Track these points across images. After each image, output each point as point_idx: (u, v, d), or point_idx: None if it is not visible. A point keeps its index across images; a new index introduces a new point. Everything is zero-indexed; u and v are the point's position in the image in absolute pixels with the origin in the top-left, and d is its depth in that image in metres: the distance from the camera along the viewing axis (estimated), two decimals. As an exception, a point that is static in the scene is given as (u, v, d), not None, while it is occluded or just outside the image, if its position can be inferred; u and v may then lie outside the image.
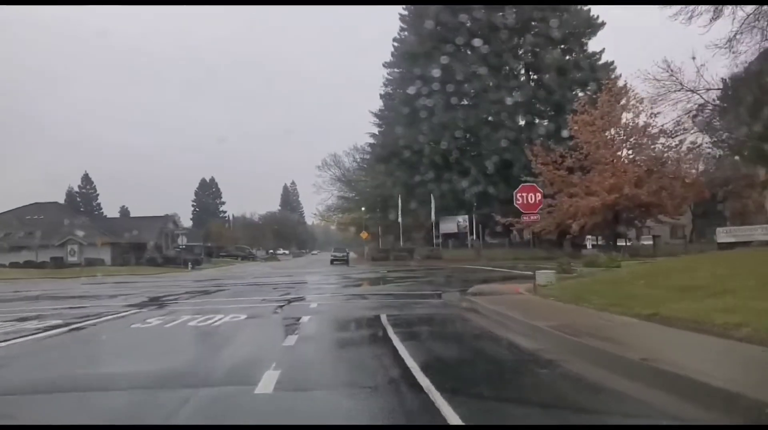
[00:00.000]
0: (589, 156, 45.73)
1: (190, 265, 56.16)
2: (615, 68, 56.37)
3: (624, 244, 48.80)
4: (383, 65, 68.25)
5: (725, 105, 59.35)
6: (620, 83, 46.86)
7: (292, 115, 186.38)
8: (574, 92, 55.14)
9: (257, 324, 12.09)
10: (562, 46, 58.48)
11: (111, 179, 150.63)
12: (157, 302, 18.72)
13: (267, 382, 6.12)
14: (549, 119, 56.53)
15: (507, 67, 60.40)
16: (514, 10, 56.65)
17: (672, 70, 28.16)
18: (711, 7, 20.16)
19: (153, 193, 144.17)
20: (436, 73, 57.54)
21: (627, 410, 5.20)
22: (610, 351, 7.20)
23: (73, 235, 57.33)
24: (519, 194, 16.37)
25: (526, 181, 47.68)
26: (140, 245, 63.63)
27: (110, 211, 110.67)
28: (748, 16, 20.46)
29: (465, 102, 60.22)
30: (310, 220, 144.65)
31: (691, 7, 20.11)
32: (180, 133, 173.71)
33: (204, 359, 8.52)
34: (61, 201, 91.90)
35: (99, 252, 57.35)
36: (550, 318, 10.60)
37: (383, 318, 12.12)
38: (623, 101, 46.07)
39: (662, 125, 47.29)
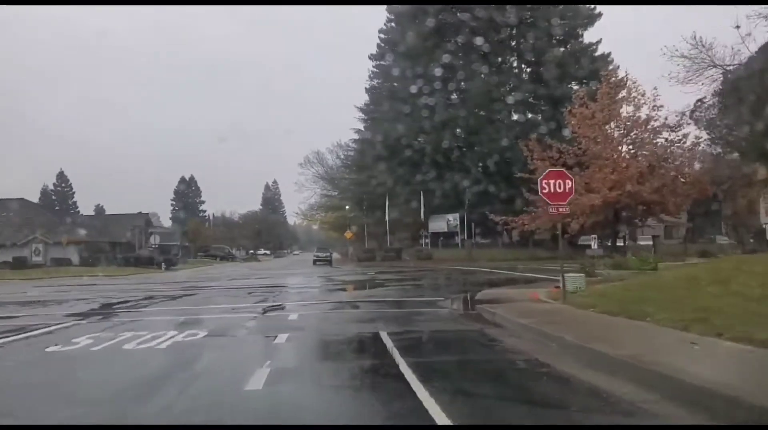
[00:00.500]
0: (588, 151, 43.29)
1: (163, 265, 52.92)
2: (612, 60, 53.98)
3: (623, 243, 46.33)
4: (369, 57, 65.45)
5: (724, 101, 57.49)
6: (620, 74, 44.23)
7: (275, 113, 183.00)
8: (569, 85, 52.53)
9: (217, 347, 9.05)
10: (557, 38, 55.93)
11: (88, 178, 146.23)
12: (106, 311, 15.68)
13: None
14: (543, 113, 53.82)
15: (499, 59, 57.80)
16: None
17: (704, 46, 25.44)
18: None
19: (132, 192, 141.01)
20: (425, 66, 54.97)
21: None
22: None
23: (38, 233, 53.68)
24: (545, 182, 13.53)
25: (520, 178, 45.90)
26: (112, 245, 60.14)
27: (87, 210, 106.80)
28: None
29: (455, 96, 57.58)
30: (292, 220, 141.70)
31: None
32: (161, 131, 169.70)
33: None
34: (36, 199, 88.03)
35: (66, 252, 53.77)
36: (612, 341, 7.80)
37: (385, 337, 9.23)
38: (623, 93, 43.64)
39: (665, 118, 45.51)
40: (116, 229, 63.03)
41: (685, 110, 48.84)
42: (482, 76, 55.06)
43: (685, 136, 43.63)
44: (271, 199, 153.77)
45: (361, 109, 67.48)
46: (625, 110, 43.83)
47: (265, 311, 14.01)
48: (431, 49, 55.24)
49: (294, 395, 5.89)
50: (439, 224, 55.91)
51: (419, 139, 55.59)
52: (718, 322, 8.00)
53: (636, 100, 43.05)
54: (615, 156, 43.80)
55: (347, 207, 70.65)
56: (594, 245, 36.28)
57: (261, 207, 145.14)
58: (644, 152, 43.87)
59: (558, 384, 6.22)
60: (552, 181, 13.43)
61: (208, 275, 40.63)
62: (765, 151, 56.56)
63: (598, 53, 54.42)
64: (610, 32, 75.26)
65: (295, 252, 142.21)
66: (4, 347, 9.61)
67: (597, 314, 10.68)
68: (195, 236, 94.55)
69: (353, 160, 71.53)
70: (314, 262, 56.79)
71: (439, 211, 55.85)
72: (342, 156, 77.19)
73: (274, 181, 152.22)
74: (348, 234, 65.85)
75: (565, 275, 15.37)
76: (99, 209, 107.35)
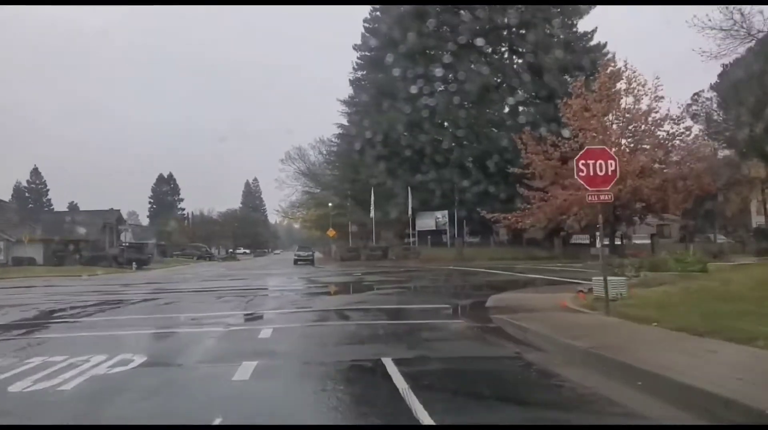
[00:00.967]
0: (585, 144, 40.91)
1: (134, 265, 49.69)
2: (607, 53, 51.58)
3: (621, 242, 43.98)
4: (353, 48, 62.54)
5: (723, 94, 55.53)
6: (619, 64, 41.77)
7: (256, 110, 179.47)
8: (564, 77, 50.09)
9: (145, 390, 6.13)
10: (549, 27, 53.38)
11: (64, 175, 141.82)
12: (38, 321, 12.83)
13: None
14: (537, 106, 51.25)
15: (489, 49, 55.17)
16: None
17: (742, 15, 22.82)
18: None
19: (110, 190, 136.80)
20: (412, 56, 52.36)
21: None
22: None
23: (-3, 230, 50.25)
24: (582, 162, 10.81)
25: (513, 173, 43.37)
26: (80, 243, 56.69)
27: (62, 207, 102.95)
28: None
29: (444, 88, 54.85)
30: (273, 218, 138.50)
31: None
32: (140, 129, 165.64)
33: None
34: (8, 197, 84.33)
35: (30, 250, 50.38)
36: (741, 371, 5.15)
37: (392, 369, 6.44)
38: (621, 84, 41.28)
39: (668, 110, 43.23)
40: (87, 226, 59.63)
41: (681, 104, 46.97)
42: (472, 66, 52.48)
43: (689, 128, 41.52)
44: (252, 198, 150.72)
45: (344, 102, 64.70)
46: (625, 102, 41.62)
47: (229, 326, 11.11)
48: (418, 38, 52.56)
49: None
50: (426, 222, 53.21)
51: (406, 132, 52.87)
52: None
53: (636, 90, 40.84)
54: (614, 150, 41.52)
55: (330, 204, 67.65)
56: (598, 242, 33.56)
57: (241, 205, 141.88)
58: (644, 146, 41.67)
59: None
60: (591, 162, 10.71)
61: (180, 275, 37.58)
62: (764, 151, 54.83)
63: (593, 43, 52.09)
64: (608, 22, 72.71)
65: (276, 251, 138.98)
66: None
67: (674, 333, 7.98)
68: (172, 234, 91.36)
69: (336, 155, 68.64)
70: (295, 261, 53.94)
71: (427, 208, 53.21)
72: (324, 152, 74.30)
73: (255, 179, 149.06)
74: (330, 232, 62.89)
75: (597, 279, 12.73)
76: (73, 207, 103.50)
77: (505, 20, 52.87)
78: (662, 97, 40.36)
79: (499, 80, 53.60)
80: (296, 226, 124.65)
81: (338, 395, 5.97)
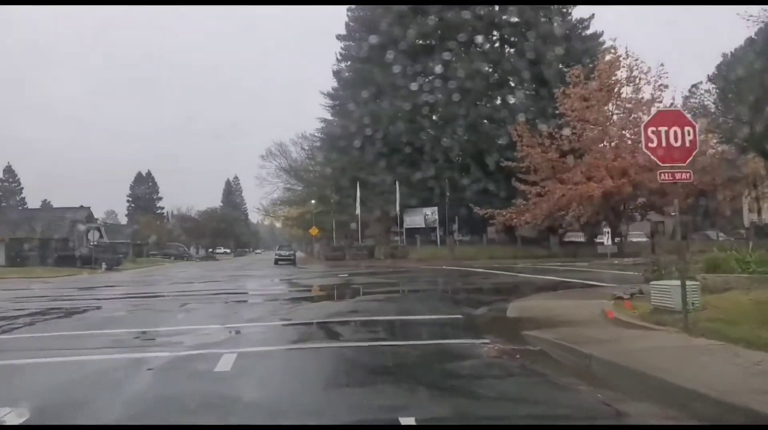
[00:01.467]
0: (584, 136, 38.54)
1: (104, 265, 46.50)
2: (604, 41, 49.20)
3: (620, 240, 41.59)
4: (337, 38, 59.64)
5: (721, 88, 53.43)
6: (620, 51, 39.35)
7: (236, 108, 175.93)
8: (559, 66, 47.56)
9: None
10: (542, 14, 50.79)
11: (40, 174, 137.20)
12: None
13: None
14: (531, 98, 48.65)
15: (480, 38, 52.49)
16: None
17: None
18: None
19: (88, 188, 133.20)
20: (399, 45, 49.57)
21: None
22: None
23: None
24: (652, 130, 8.15)
25: (506, 167, 40.83)
26: (48, 241, 53.35)
27: (36, 206, 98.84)
28: None
29: (432, 79, 52.17)
30: (255, 217, 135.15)
31: None
32: (119, 128, 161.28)
33: None
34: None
35: (-9, 250, 47.09)
36: None
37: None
38: (622, 72, 38.96)
39: (672, 98, 41.00)
40: (55, 225, 56.25)
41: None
42: (462, 56, 49.84)
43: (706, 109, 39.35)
44: (233, 196, 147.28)
45: (327, 94, 61.74)
46: (625, 91, 39.32)
47: (183, 348, 8.32)
48: (406, 27, 49.83)
49: None
50: (415, 219, 50.46)
51: (393, 124, 50.09)
52: None
53: (637, 79, 38.55)
54: (617, 141, 39.18)
55: (313, 201, 64.68)
56: (606, 239, 31.21)
57: (222, 204, 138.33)
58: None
59: None
60: (664, 130, 8.05)
61: (150, 277, 34.55)
62: (764, 148, 52.84)
63: (590, 31, 49.68)
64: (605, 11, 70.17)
65: (257, 251, 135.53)
66: None
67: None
68: (148, 233, 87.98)
69: (319, 150, 65.69)
70: (276, 261, 51.05)
71: (416, 204, 50.52)
72: (306, 147, 71.33)
73: (235, 177, 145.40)
74: (313, 230, 59.92)
75: (658, 283, 10.08)
76: (46, 205, 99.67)
77: (496, 8, 50.36)
78: (666, 86, 38.18)
79: (490, 70, 50.98)
80: (278, 225, 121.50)
81: None
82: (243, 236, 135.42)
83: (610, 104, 39.40)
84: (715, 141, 44.07)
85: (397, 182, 47.42)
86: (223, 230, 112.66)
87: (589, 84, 38.37)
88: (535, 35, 48.53)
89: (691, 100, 50.87)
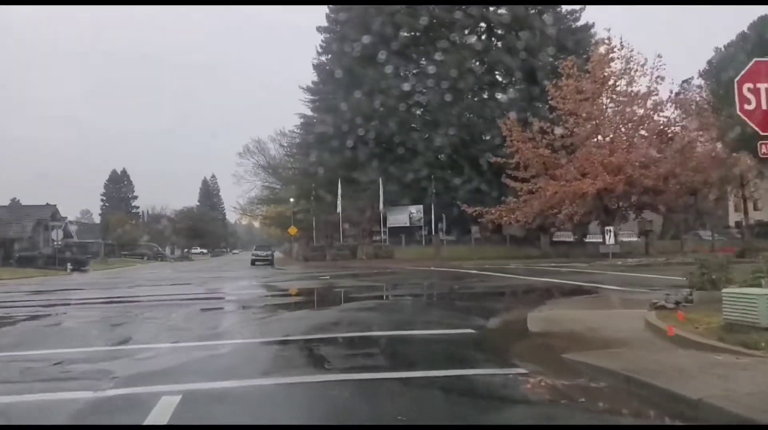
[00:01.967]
0: (578, 131, 36.75)
1: (69, 266, 43.82)
2: (595, 32, 47.46)
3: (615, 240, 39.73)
4: (317, 30, 57.31)
5: (714, 81, 51.97)
6: (614, 42, 37.53)
7: (214, 106, 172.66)
8: (549, 58, 45.69)
9: None
10: (532, 7, 48.87)
11: (11, 172, 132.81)
12: None
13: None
14: (521, 91, 46.64)
15: (466, 31, 50.50)
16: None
17: None
18: None
19: (61, 187, 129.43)
20: (382, 36, 47.43)
21: None
22: None
23: None
24: (748, 87, 6.06)
25: (496, 164, 38.85)
26: (13, 242, 50.39)
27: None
28: None
29: (416, 71, 50.13)
30: (232, 217, 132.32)
31: None
32: (96, 126, 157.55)
33: None
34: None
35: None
36: None
37: None
38: (617, 64, 37.20)
39: (671, 91, 39.42)
40: (20, 223, 53.26)
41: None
42: (449, 48, 47.78)
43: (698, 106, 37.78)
44: (210, 196, 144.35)
45: (307, 89, 59.40)
46: (620, 84, 37.56)
47: (108, 385, 6.04)
48: (390, 20, 47.70)
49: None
50: (399, 218, 48.25)
51: (376, 120, 47.90)
52: None
53: (632, 71, 36.83)
54: (610, 137, 37.39)
55: (292, 200, 62.21)
56: (609, 239, 29.26)
57: (198, 203, 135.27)
58: (642, 132, 37.68)
59: None
60: (764, 86, 5.97)
61: (116, 279, 32.02)
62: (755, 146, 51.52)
63: (581, 23, 47.92)
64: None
65: (235, 251, 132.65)
66: None
67: None
68: (120, 233, 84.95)
69: (299, 147, 63.31)
70: (253, 262, 48.78)
71: (400, 202, 48.37)
72: (285, 144, 68.94)
73: (213, 176, 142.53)
74: (292, 230, 57.44)
75: (733, 291, 7.98)
76: (14, 203, 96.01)
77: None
78: (663, 78, 36.50)
79: (478, 63, 48.98)
80: (256, 225, 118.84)
81: None
82: (220, 236, 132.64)
83: (604, 97, 37.65)
84: (705, 138, 42.42)
85: (380, 179, 45.21)
86: (199, 230, 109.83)
87: (582, 76, 36.62)
88: (523, 27, 46.71)
89: (681, 96, 49.36)
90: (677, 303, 10.01)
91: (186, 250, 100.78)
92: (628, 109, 37.12)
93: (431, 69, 47.15)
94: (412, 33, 48.95)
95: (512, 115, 38.67)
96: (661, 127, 37.21)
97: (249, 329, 9.93)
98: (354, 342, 8.42)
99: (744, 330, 7.13)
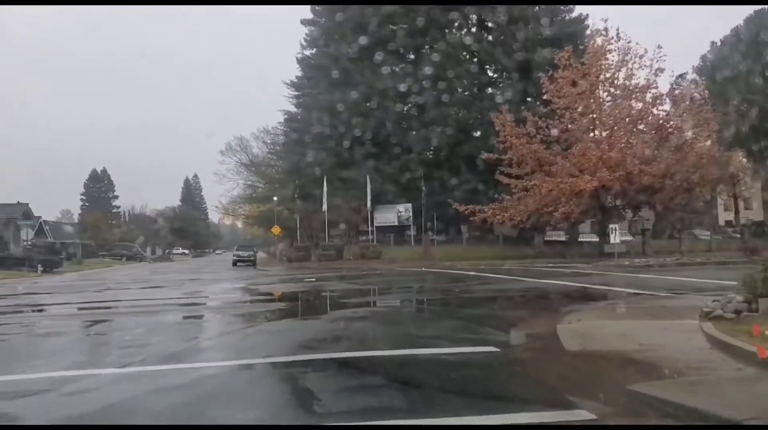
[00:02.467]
0: (574, 126, 35.26)
1: (40, 267, 41.56)
2: (588, 25, 46.02)
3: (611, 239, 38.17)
4: (301, 23, 55.44)
5: (709, 76, 50.71)
6: (611, 33, 35.99)
7: (197, 105, 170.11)
8: (543, 51, 44.15)
9: None
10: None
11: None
12: None
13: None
14: (512, 86, 45.01)
15: (456, 23, 48.92)
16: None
17: None
18: None
19: (40, 187, 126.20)
20: (369, 29, 45.79)
21: None
22: None
23: None
24: None
25: (489, 160, 37.25)
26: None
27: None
28: None
29: (404, 65, 48.40)
30: (215, 217, 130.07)
31: None
32: (74, 125, 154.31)
33: None
34: None
35: None
36: None
37: None
38: (614, 56, 35.70)
39: (671, 84, 38.05)
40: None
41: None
42: (438, 41, 46.18)
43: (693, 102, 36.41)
44: (192, 195, 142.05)
45: (291, 84, 57.54)
46: (619, 76, 36.09)
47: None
48: (375, 9, 46.02)
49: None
50: (387, 216, 46.50)
51: (362, 116, 46.12)
52: None
53: (630, 62, 35.36)
54: (609, 131, 35.88)
55: (275, 198, 60.17)
56: (614, 237, 27.68)
57: (180, 203, 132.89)
58: (641, 127, 36.27)
59: None
60: None
61: (86, 281, 29.91)
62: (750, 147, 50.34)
63: (574, 15, 46.40)
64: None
65: (218, 252, 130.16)
66: None
67: None
68: (98, 233, 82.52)
69: (282, 144, 61.36)
70: (234, 262, 46.85)
71: (387, 201, 46.62)
72: (268, 141, 66.92)
73: (195, 176, 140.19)
74: (275, 229, 55.40)
75: None
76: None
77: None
78: (663, 70, 35.08)
79: (468, 56, 47.36)
80: (239, 224, 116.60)
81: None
82: (203, 236, 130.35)
83: (600, 90, 36.19)
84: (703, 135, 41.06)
85: (368, 176, 43.41)
86: (181, 230, 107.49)
87: (579, 68, 35.16)
88: (515, 19, 45.17)
89: (677, 93, 48.12)
90: (737, 312, 8.32)
91: (167, 250, 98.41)
92: (626, 103, 35.67)
93: (421, 63, 45.55)
94: (402, 26, 47.23)
95: (505, 107, 37.07)
96: (661, 121, 35.75)
97: (219, 348, 8.08)
98: (350, 367, 6.60)
99: None
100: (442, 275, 24.27)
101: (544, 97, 36.54)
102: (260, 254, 63.63)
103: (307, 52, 56.04)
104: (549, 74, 35.93)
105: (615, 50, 35.52)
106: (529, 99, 42.68)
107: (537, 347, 7.62)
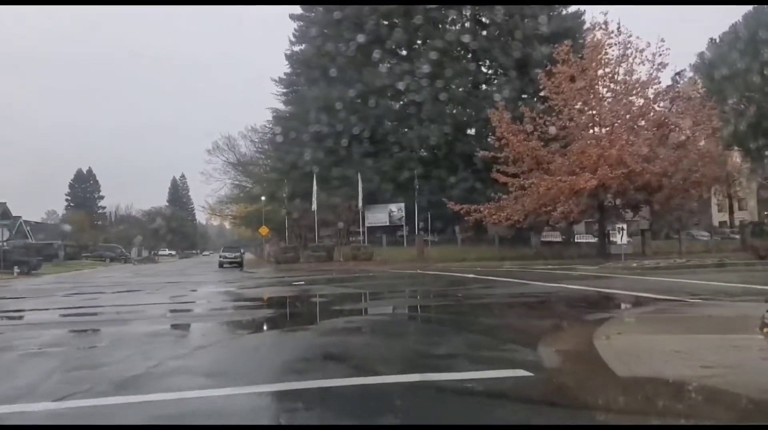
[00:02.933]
0: (573, 122, 34.11)
1: (16, 269, 39.96)
2: (585, 21, 44.96)
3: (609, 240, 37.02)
4: (290, 17, 54.08)
5: (707, 73, 49.63)
6: (611, 27, 34.82)
7: (185, 104, 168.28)
8: (540, 46, 42.97)
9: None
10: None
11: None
12: None
13: None
14: (507, 83, 43.78)
15: (450, 18, 47.63)
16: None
17: None
18: None
19: (26, 187, 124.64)
20: (361, 24, 44.51)
21: None
22: None
23: None
24: None
25: (484, 158, 35.99)
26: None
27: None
28: None
29: (397, 60, 47.14)
30: (202, 218, 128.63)
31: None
32: (61, 125, 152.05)
33: None
34: None
35: None
36: None
37: None
38: (614, 50, 34.55)
39: (672, 79, 36.88)
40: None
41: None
42: (432, 36, 44.89)
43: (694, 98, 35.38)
44: (179, 195, 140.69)
45: (280, 81, 56.25)
46: (620, 71, 34.96)
47: None
48: (366, 3, 44.72)
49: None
50: (379, 216, 45.13)
51: (353, 113, 44.75)
52: None
53: (631, 57, 34.26)
54: (610, 127, 34.72)
55: (263, 198, 58.67)
56: (622, 238, 26.43)
57: (167, 203, 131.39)
58: (642, 123, 35.14)
59: None
60: None
61: (61, 284, 28.27)
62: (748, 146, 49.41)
63: (571, 9, 45.25)
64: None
65: (205, 253, 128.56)
66: None
67: None
68: (83, 233, 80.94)
69: (271, 143, 59.91)
70: (220, 264, 45.52)
71: (379, 200, 45.25)
72: (256, 140, 65.51)
73: (182, 176, 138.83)
74: (263, 230, 53.95)
75: None
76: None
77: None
78: (666, 64, 33.99)
79: (462, 51, 46.09)
80: (227, 225, 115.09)
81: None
82: (190, 236, 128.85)
83: (600, 85, 35.05)
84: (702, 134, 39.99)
85: (359, 175, 42.02)
86: (167, 230, 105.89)
87: (577, 62, 34.05)
88: (510, 14, 43.97)
89: (673, 92, 47.27)
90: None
91: (153, 251, 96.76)
92: (626, 99, 34.56)
93: (414, 58, 44.28)
94: (394, 20, 45.94)
95: (502, 104, 35.89)
96: (663, 118, 34.65)
97: (189, 370, 6.61)
98: (349, 401, 5.18)
99: None
100: (440, 277, 22.90)
101: (542, 93, 35.59)
102: (248, 255, 62.14)
103: (296, 48, 54.77)
104: (547, 69, 34.85)
105: (615, 44, 34.44)
106: (525, 96, 41.55)
107: (578, 370, 6.24)
